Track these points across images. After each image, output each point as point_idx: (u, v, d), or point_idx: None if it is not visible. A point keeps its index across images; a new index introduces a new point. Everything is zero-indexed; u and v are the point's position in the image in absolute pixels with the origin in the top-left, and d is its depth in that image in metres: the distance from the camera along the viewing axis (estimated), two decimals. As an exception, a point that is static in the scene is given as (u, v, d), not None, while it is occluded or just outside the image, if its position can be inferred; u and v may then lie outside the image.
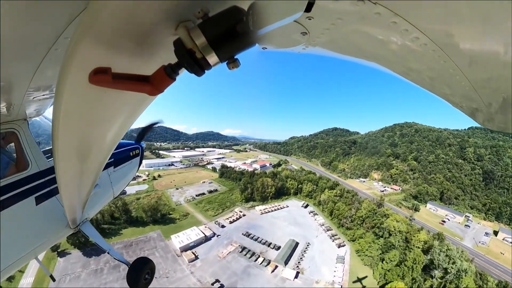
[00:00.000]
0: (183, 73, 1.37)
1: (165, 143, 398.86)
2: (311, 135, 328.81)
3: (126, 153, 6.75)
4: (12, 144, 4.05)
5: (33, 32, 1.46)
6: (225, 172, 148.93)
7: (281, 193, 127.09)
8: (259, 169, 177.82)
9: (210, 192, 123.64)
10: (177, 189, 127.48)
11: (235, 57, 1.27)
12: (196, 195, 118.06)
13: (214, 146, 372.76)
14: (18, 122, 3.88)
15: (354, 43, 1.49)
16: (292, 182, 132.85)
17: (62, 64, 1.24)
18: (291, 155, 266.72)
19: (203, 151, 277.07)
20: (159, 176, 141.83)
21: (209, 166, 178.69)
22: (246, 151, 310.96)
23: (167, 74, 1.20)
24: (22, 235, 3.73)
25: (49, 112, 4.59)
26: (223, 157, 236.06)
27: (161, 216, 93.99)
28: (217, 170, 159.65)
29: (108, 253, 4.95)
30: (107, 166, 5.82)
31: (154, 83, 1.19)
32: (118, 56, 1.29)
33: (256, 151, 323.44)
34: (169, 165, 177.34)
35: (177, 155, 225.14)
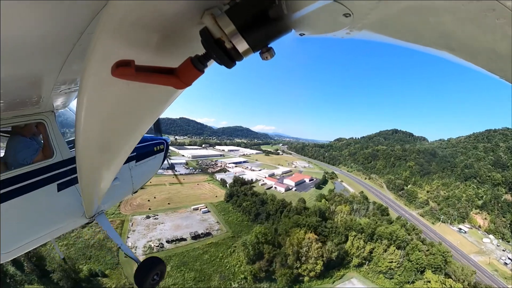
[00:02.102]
0: (213, 65, 1.27)
1: (185, 137, 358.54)
2: (363, 137, 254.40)
3: (149, 148, 6.65)
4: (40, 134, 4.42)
5: (59, 29, 1.49)
6: (236, 194, 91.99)
7: (332, 264, 63.86)
8: (293, 188, 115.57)
9: (196, 237, 67.83)
10: (149, 217, 75.84)
11: (269, 45, 1.16)
12: (168, 241, 63.79)
13: (239, 144, 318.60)
14: (46, 114, 4.13)
15: (409, 25, 1.20)
16: (356, 241, 67.87)
17: (86, 58, 1.25)
18: (340, 165, 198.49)
19: (223, 150, 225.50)
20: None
21: (219, 176, 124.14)
22: (278, 154, 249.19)
23: (195, 66, 1.12)
24: (43, 216, 4.12)
25: (74, 105, 4.88)
26: (245, 161, 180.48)
27: (86, 278, 54.81)
28: (227, 185, 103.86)
29: (119, 248, 5.19)
30: (129, 160, 5.74)
31: (181, 76, 1.12)
32: (142, 49, 1.26)
33: (291, 154, 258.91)
34: (167, 168, 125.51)
35: (188, 153, 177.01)
